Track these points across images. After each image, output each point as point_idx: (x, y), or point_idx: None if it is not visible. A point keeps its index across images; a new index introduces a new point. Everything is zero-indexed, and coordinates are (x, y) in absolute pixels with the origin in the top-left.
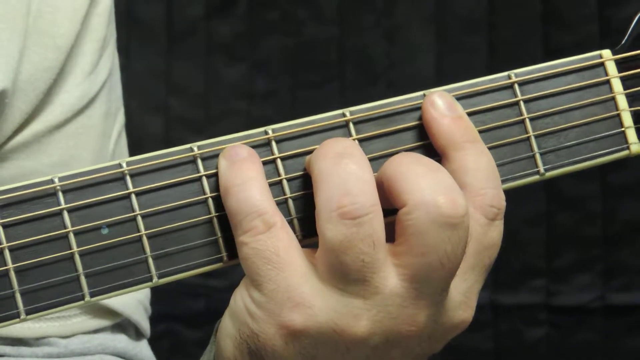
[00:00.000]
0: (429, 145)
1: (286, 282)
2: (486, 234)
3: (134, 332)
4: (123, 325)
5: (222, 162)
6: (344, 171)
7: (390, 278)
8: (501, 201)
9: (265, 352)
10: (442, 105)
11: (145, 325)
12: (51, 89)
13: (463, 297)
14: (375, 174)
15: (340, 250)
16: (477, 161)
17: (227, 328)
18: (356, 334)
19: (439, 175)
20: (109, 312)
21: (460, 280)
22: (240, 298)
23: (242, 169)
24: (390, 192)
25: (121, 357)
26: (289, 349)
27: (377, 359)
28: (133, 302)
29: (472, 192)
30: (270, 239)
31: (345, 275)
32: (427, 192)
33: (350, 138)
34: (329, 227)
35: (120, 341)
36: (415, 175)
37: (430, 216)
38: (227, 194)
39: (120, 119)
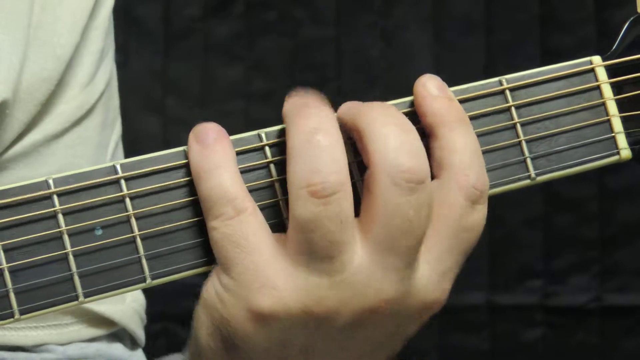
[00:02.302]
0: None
1: (254, 264)
2: (467, 217)
3: (130, 341)
4: (119, 335)
5: (193, 145)
6: (316, 147)
7: (357, 255)
8: (485, 184)
9: (237, 337)
10: (433, 85)
11: (140, 334)
12: (49, 99)
13: (438, 277)
14: (344, 116)
15: (308, 228)
16: (464, 141)
17: (200, 317)
18: (323, 313)
19: (409, 137)
20: (105, 322)
21: (437, 261)
22: (212, 285)
23: (213, 154)
24: (359, 145)
25: None
26: (259, 333)
27: (342, 341)
28: (129, 312)
29: (456, 172)
30: (239, 224)
31: (313, 253)
32: (391, 154)
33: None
34: (298, 204)
35: (117, 349)
36: (384, 135)
37: (391, 178)
38: (198, 180)
39: (117, 129)
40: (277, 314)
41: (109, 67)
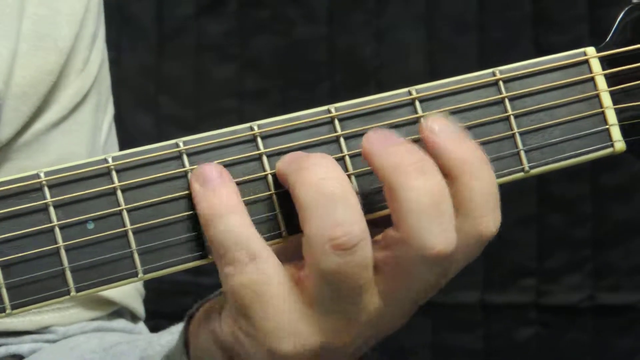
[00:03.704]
0: (417, 141)
1: (274, 312)
2: (474, 252)
3: (130, 317)
4: (119, 312)
5: (196, 187)
6: (331, 199)
7: (374, 298)
8: (498, 225)
9: None
10: (445, 127)
11: (140, 309)
12: (51, 90)
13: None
14: (371, 158)
15: (335, 278)
16: (484, 186)
17: (211, 350)
18: (337, 345)
19: (442, 206)
20: (104, 302)
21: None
22: (227, 326)
23: (219, 196)
24: (387, 195)
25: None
26: None
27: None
28: (129, 290)
29: (475, 218)
30: (256, 271)
31: (336, 299)
32: (424, 234)
33: (336, 134)
34: (322, 258)
35: (119, 323)
36: (418, 209)
37: (420, 257)
38: (207, 225)
39: (110, 110)
40: (298, 355)
41: (100, 50)
